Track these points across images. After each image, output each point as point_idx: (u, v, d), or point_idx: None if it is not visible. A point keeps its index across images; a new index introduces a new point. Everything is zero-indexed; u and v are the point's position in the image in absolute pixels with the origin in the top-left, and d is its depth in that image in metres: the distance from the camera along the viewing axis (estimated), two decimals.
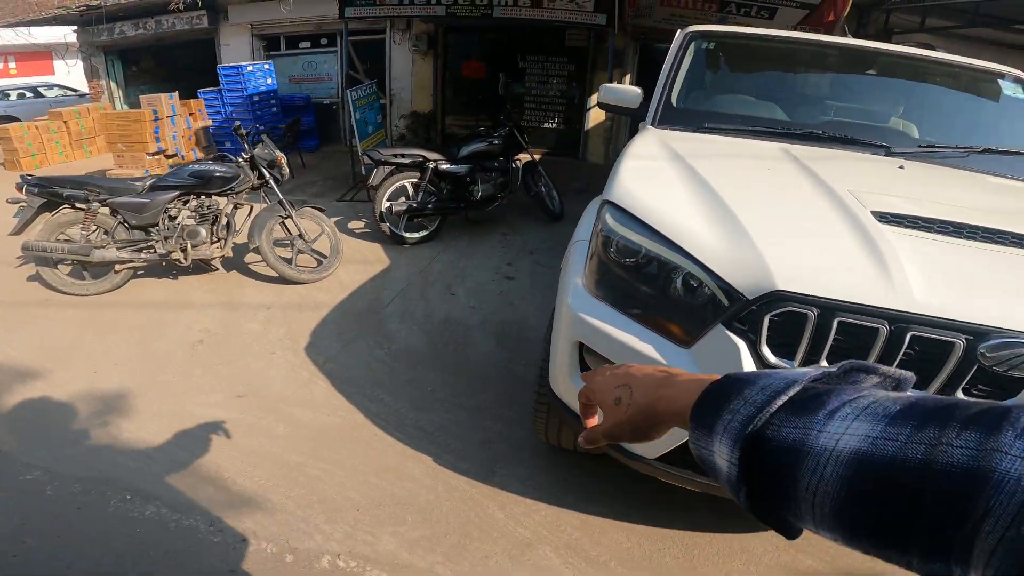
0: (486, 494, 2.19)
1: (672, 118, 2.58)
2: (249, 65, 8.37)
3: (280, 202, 4.02)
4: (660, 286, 1.58)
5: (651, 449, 1.65)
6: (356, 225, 5.44)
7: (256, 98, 8.28)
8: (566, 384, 1.81)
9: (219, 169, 3.92)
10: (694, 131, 2.47)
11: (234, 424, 2.55)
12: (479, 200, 5.04)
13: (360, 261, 4.53)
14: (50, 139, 9.40)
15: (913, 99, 2.81)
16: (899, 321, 1.33)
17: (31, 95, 14.00)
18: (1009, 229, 1.57)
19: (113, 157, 8.14)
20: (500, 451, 2.42)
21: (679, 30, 2.97)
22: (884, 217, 1.56)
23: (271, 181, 4.05)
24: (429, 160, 4.78)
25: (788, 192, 1.82)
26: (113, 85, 11.31)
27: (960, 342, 1.31)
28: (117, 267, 3.85)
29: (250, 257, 4.41)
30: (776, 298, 1.39)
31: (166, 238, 3.85)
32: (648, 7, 6.99)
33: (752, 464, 0.41)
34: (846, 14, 6.31)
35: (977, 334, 1.31)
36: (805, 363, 1.41)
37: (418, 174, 4.79)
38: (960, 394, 1.35)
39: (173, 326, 3.45)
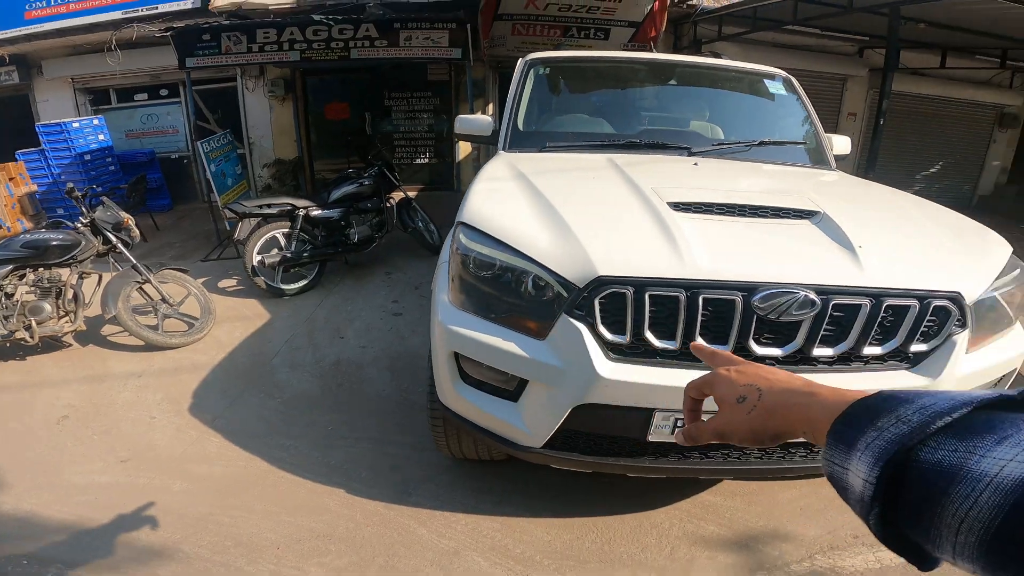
0: (405, 514, 2.27)
1: (520, 141, 2.88)
2: (75, 121, 7.59)
3: (134, 267, 3.79)
4: (513, 290, 1.81)
5: (536, 438, 1.82)
6: (228, 283, 5.20)
7: (88, 156, 7.53)
8: (452, 394, 1.96)
9: (55, 237, 3.61)
10: (539, 151, 2.78)
11: (124, 487, 2.42)
12: (357, 243, 5.09)
13: (238, 318, 4.36)
14: None
15: (707, 103, 3.33)
16: (692, 288, 1.62)
17: None
18: (770, 204, 1.97)
19: None
20: (410, 473, 2.51)
21: (520, 58, 3.30)
22: (677, 206, 1.89)
23: (119, 245, 3.80)
24: (298, 208, 4.75)
25: (607, 195, 2.13)
26: None
27: (738, 298, 1.61)
28: None
29: (108, 328, 4.06)
30: (600, 283, 1.65)
31: (5, 317, 3.47)
32: (502, 37, 7.43)
33: (892, 485, 0.40)
34: (664, 28, 7.28)
35: (749, 289, 1.61)
36: (634, 336, 1.67)
37: (288, 223, 4.74)
38: (753, 343, 1.65)
39: (30, 406, 3.11)
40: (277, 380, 3.39)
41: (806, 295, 1.61)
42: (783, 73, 3.38)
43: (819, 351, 1.69)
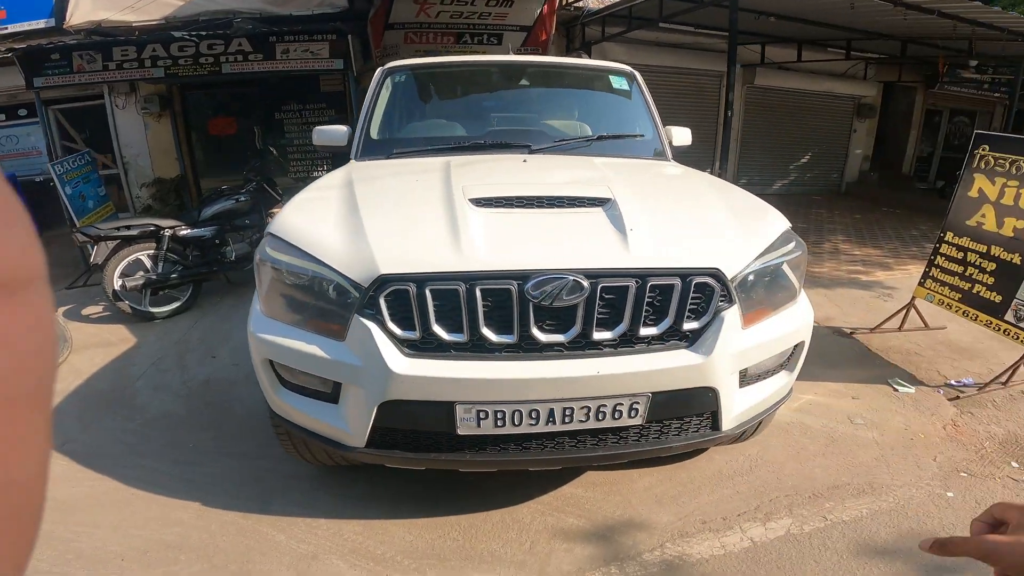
0: (264, 523, 2.27)
1: (371, 149, 2.94)
2: None
3: None
4: (312, 294, 1.87)
5: (358, 438, 1.86)
6: (93, 310, 4.93)
7: None
8: (277, 400, 2.00)
9: None
10: (386, 158, 2.81)
11: None
12: (235, 260, 4.99)
13: (99, 345, 4.16)
14: None
15: (556, 101, 3.48)
16: (470, 280, 1.69)
17: None
18: (566, 194, 2.04)
19: None
20: (273, 484, 2.51)
21: (378, 68, 3.35)
22: (478, 202, 1.97)
23: None
24: (163, 228, 4.59)
25: (417, 196, 2.20)
26: None
27: (513, 287, 1.69)
28: None
29: None
30: (383, 281, 1.71)
31: None
32: (394, 46, 7.40)
33: None
34: (554, 31, 7.50)
35: (522, 277, 1.69)
36: (423, 331, 1.72)
37: (154, 244, 4.59)
38: (535, 330, 1.72)
39: None
40: (138, 403, 3.30)
41: (575, 280, 1.71)
42: (627, 68, 3.51)
43: (599, 335, 1.77)
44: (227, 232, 4.98)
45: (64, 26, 6.13)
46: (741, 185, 2.81)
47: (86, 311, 4.90)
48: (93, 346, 4.13)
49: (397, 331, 1.75)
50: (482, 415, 1.75)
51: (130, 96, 7.88)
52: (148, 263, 4.57)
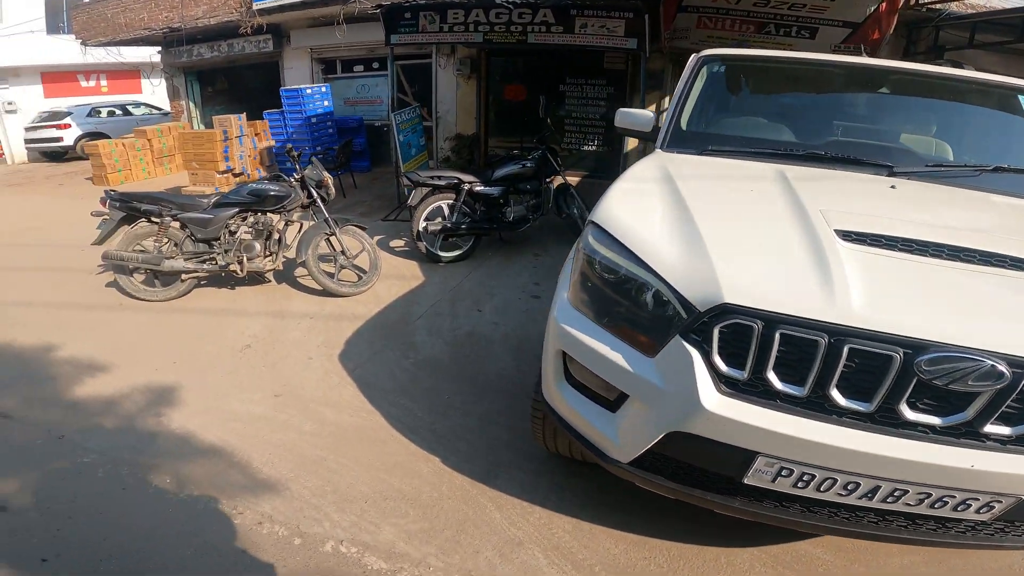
0: (486, 495, 2.38)
1: (680, 141, 2.68)
2: (308, 88, 8.95)
3: (326, 220, 4.39)
4: (632, 300, 1.73)
5: (625, 453, 1.78)
6: (397, 243, 5.80)
7: (314, 120, 8.84)
8: (554, 391, 1.97)
9: (273, 188, 4.34)
10: (699, 154, 2.55)
11: (268, 420, 2.88)
12: (511, 221, 5.30)
13: (397, 277, 4.85)
14: (135, 156, 10.35)
15: (928, 117, 2.82)
16: (837, 334, 1.41)
17: (120, 113, 15.25)
18: (979, 247, 1.62)
19: (188, 175, 8.87)
20: (504, 457, 2.61)
21: (693, 54, 3.07)
22: (847, 235, 1.65)
23: (318, 200, 4.42)
24: (464, 182, 5.08)
25: (760, 212, 1.92)
26: (191, 105, 12.27)
27: (897, 355, 1.38)
28: (183, 276, 4.32)
29: (298, 271, 4.82)
30: (724, 310, 1.50)
31: (226, 251, 4.29)
32: (685, 29, 7.03)
33: None
34: (891, 31, 6.28)
35: (915, 347, 1.38)
36: (754, 373, 1.52)
37: (453, 195, 5.10)
38: (904, 406, 1.43)
39: (226, 331, 3.86)
40: (415, 342, 3.73)
41: (993, 365, 1.36)
42: None
43: (994, 428, 1.43)
44: (510, 194, 5.28)
45: None
46: None
47: (393, 243, 5.79)
48: (393, 277, 4.83)
49: (721, 366, 1.55)
50: (784, 472, 1.55)
51: (450, 58, 8.92)
52: (446, 211, 5.13)
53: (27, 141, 14.92)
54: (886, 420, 1.47)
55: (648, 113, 2.92)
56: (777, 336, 1.47)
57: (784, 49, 6.51)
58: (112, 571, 1.99)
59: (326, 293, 4.40)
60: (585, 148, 8.80)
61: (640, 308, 1.70)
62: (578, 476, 2.47)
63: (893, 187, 2.18)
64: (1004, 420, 1.42)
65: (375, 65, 9.96)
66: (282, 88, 9.14)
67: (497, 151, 9.13)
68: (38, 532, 2.15)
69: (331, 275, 4.40)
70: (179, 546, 2.09)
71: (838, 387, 1.46)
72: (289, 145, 4.60)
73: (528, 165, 5.35)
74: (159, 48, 11.68)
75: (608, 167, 8.65)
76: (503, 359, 3.53)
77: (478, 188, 5.14)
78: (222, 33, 10.05)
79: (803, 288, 1.49)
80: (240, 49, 10.49)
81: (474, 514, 2.28)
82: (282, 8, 8.65)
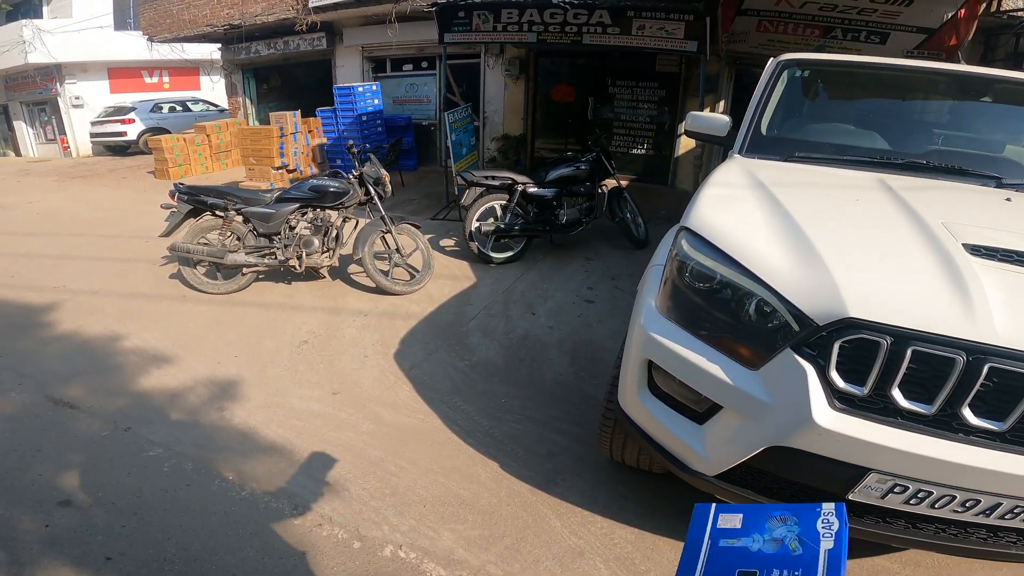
0: (545, 502, 2.32)
1: (761, 147, 2.59)
2: (359, 86, 9.06)
3: (382, 218, 4.41)
4: (732, 310, 1.65)
5: (712, 466, 1.72)
6: (447, 243, 5.80)
7: (364, 118, 8.95)
8: (634, 400, 1.91)
9: (333, 185, 4.39)
10: (783, 160, 2.46)
11: (327, 418, 2.89)
12: (564, 224, 5.22)
13: (449, 277, 4.85)
14: (194, 151, 10.73)
15: (1013, 125, 2.68)
16: (977, 352, 1.35)
17: (180, 109, 15.85)
18: None
19: (245, 170, 9.15)
20: (563, 463, 2.55)
21: (771, 58, 2.98)
22: (976, 250, 1.56)
23: (375, 198, 4.45)
24: (518, 183, 5.04)
25: (873, 222, 1.83)
26: (248, 102, 12.58)
27: None
28: (244, 270, 4.41)
29: (353, 268, 4.86)
30: (848, 325, 1.43)
31: (285, 246, 4.36)
32: (744, 33, 6.82)
33: None
34: (970, 37, 5.97)
35: None
36: (875, 389, 1.45)
37: (507, 196, 5.06)
38: None
39: (285, 326, 3.91)
40: (469, 343, 3.70)
41: None
42: None
43: None
44: (563, 196, 5.22)
45: None
46: None
47: (443, 242, 5.79)
48: (445, 277, 4.82)
49: (839, 382, 1.48)
50: (897, 489, 1.49)
51: (498, 58, 8.94)
52: (498, 212, 5.10)
53: (92, 135, 15.60)
54: (1017, 439, 1.40)
55: (723, 118, 2.82)
56: (909, 353, 1.39)
57: (852, 54, 6.29)
58: (176, 572, 1.99)
59: (380, 291, 4.41)
60: (634, 152, 8.65)
61: (741, 319, 1.64)
62: (639, 486, 2.40)
63: (1009, 199, 2.05)
64: None
65: (424, 64, 10.04)
66: (335, 86, 9.29)
67: (543, 152, 9.08)
68: (103, 529, 2.16)
69: (385, 273, 4.42)
70: (241, 547, 2.09)
71: (971, 408, 1.39)
72: (350, 142, 4.67)
73: (582, 168, 5.26)
74: (219, 45, 12.02)
75: (658, 172, 8.49)
76: (559, 364, 3.47)
77: (532, 190, 5.08)
78: (278, 31, 10.28)
79: (938, 303, 1.42)
80: (295, 47, 10.71)
81: (534, 522, 2.23)
82: (337, 6, 8.79)
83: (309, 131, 9.63)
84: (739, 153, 2.59)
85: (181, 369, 3.35)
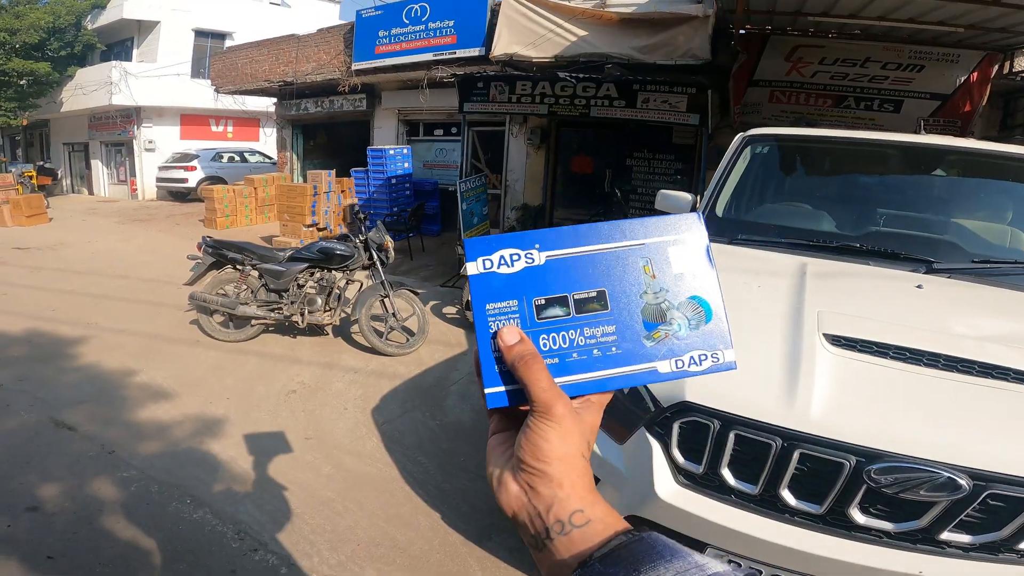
0: (474, 554, 2.47)
1: (712, 228, 2.56)
2: (391, 149, 9.52)
3: (382, 283, 4.71)
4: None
5: None
6: (449, 310, 6.06)
7: (394, 180, 9.33)
8: None
9: (340, 248, 4.79)
10: (728, 243, 2.44)
11: (294, 459, 3.16)
12: None
13: (442, 343, 5.10)
14: (241, 203, 11.49)
15: (979, 199, 2.62)
16: (789, 438, 1.45)
17: (238, 159, 16.83)
18: (983, 359, 1.55)
19: (279, 225, 9.74)
20: (502, 521, 2.66)
21: (739, 133, 2.96)
22: (836, 339, 1.63)
23: (378, 263, 4.79)
24: None
25: (755, 309, 1.90)
26: (294, 157, 13.35)
27: (848, 463, 1.40)
28: (254, 321, 4.82)
29: (354, 327, 5.20)
30: (684, 408, 1.58)
31: (291, 302, 4.76)
32: (757, 104, 6.89)
33: None
34: (984, 102, 6.05)
35: (868, 456, 1.39)
36: (709, 468, 1.57)
37: None
38: (856, 511, 1.43)
39: (279, 376, 4.26)
40: (445, 405, 3.93)
41: (951, 477, 1.35)
42: None
43: (951, 536, 1.39)
44: None
45: (489, 56, 7.53)
46: None
47: (445, 310, 6.08)
48: (438, 342, 5.09)
49: (679, 459, 1.63)
50: (738, 568, 1.56)
51: (522, 127, 9.32)
52: None
53: (158, 180, 16.64)
54: (837, 522, 1.47)
55: (686, 196, 2.89)
56: (732, 436, 1.53)
57: (866, 124, 6.35)
58: (106, 574, 2.27)
59: (374, 351, 4.71)
60: None
61: (620, 399, 1.78)
62: None
63: (919, 286, 2.02)
64: (964, 529, 1.38)
65: (453, 130, 10.54)
66: (369, 148, 9.75)
67: (562, 223, 9.32)
68: (56, 532, 2.48)
69: (381, 334, 4.71)
70: (175, 560, 2.36)
71: (790, 487, 1.49)
72: (357, 207, 5.06)
73: None
74: (275, 100, 12.99)
75: None
76: None
77: None
78: (326, 89, 11.05)
79: (765, 391, 1.54)
80: (339, 106, 11.46)
81: (457, 571, 2.38)
82: (376, 70, 9.54)
83: (342, 191, 10.22)
84: None
85: (175, 405, 3.71)
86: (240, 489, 2.87)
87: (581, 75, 6.44)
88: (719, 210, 2.72)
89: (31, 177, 15.36)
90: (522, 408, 0.47)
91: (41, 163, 19.18)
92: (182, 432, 3.41)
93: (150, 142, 17.57)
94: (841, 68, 6.20)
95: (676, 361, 0.50)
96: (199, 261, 4.83)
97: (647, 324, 0.49)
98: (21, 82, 17.05)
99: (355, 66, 9.66)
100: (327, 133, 13.61)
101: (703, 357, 0.51)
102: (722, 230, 2.54)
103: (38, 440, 3.23)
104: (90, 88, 16.92)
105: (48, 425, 3.40)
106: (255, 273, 4.81)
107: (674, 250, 0.51)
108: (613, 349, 0.49)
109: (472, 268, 0.49)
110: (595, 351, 0.49)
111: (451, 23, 8.31)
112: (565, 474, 0.43)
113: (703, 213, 2.74)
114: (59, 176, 19.14)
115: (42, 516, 2.59)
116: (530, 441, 0.44)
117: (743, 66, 6.36)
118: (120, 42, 18.74)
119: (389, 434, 3.49)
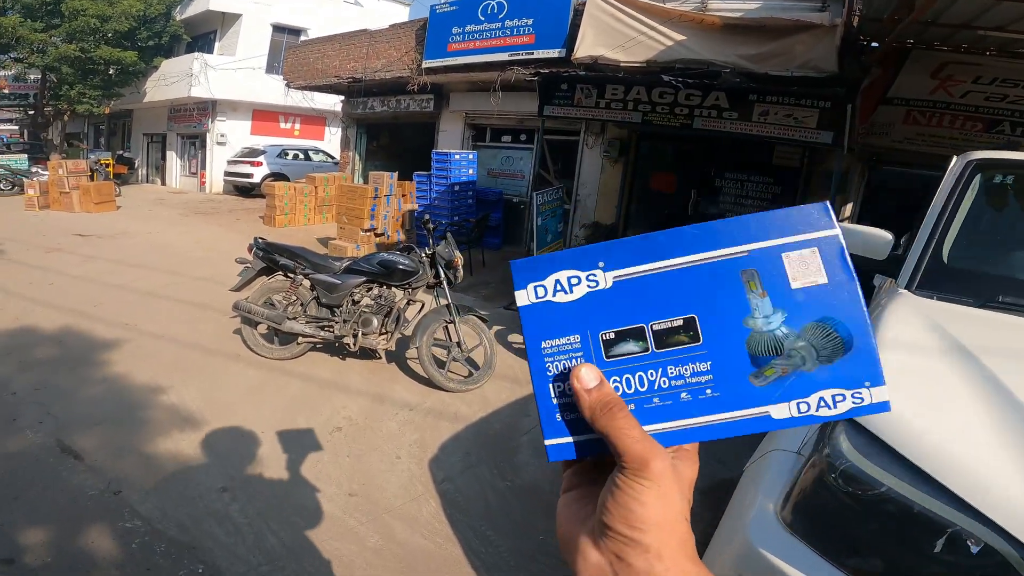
0: None
1: (942, 282, 1.88)
2: (456, 154, 8.84)
3: (448, 306, 4.05)
4: (910, 541, 1.14)
5: None
6: (515, 339, 5.33)
7: (456, 187, 8.69)
8: None
9: (403, 262, 4.15)
10: (980, 306, 1.79)
11: (334, 523, 2.55)
12: None
13: (510, 379, 4.38)
14: (301, 202, 11.28)
15: None
16: None
17: (302, 157, 16.89)
18: None
19: (337, 227, 9.36)
20: None
21: (955, 156, 2.26)
22: None
23: (444, 282, 4.13)
24: None
25: None
26: (356, 157, 13.03)
27: None
28: (300, 339, 4.26)
29: (410, 352, 4.56)
30: None
31: (344, 321, 4.18)
32: (887, 124, 6.09)
33: None
34: None
35: None
36: None
37: None
38: None
39: (323, 406, 3.67)
40: (516, 461, 3.24)
41: None
42: None
43: None
44: None
45: (571, 58, 6.74)
46: None
47: (511, 338, 5.35)
48: (505, 378, 4.36)
49: None
50: None
51: (598, 137, 8.62)
52: None
53: (226, 173, 16.88)
54: None
55: (884, 234, 2.11)
56: None
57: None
58: None
59: (431, 384, 4.06)
60: None
61: (925, 553, 1.12)
62: None
63: None
64: None
65: (522, 137, 9.96)
66: (433, 151, 9.12)
67: None
68: None
69: (441, 365, 4.07)
70: None
71: None
72: (427, 216, 4.47)
73: None
74: (342, 98, 12.76)
75: None
76: None
77: None
78: (393, 88, 10.67)
79: None
80: (405, 106, 11.06)
81: None
82: (446, 69, 9.00)
83: (403, 195, 9.77)
84: (906, 288, 1.91)
85: (201, 436, 3.17)
86: (267, 560, 2.28)
87: (689, 80, 5.68)
88: (946, 256, 1.96)
89: (106, 165, 15.73)
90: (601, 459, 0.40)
91: (120, 152, 19.79)
92: (204, 474, 2.84)
93: (222, 136, 17.87)
94: (1000, 88, 5.29)
95: (799, 404, 0.38)
96: (248, 266, 4.33)
97: (755, 359, 0.39)
98: (109, 71, 17.54)
99: (425, 64, 9.16)
100: (390, 134, 13.26)
101: (838, 398, 0.38)
102: (961, 285, 1.87)
103: (37, 469, 2.74)
104: (172, 79, 17.32)
105: (53, 450, 2.91)
106: (307, 283, 4.27)
107: (791, 257, 0.40)
108: (708, 391, 0.39)
109: (522, 298, 0.41)
110: (683, 394, 0.39)
111: (530, 22, 7.67)
112: (665, 543, 0.35)
113: (922, 260, 1.69)
114: (136, 165, 19.74)
115: (16, 572, 2.07)
116: (620, 504, 0.36)
117: (876, 81, 5.50)
118: (204, 35, 19.16)
119: (450, 496, 2.82)
